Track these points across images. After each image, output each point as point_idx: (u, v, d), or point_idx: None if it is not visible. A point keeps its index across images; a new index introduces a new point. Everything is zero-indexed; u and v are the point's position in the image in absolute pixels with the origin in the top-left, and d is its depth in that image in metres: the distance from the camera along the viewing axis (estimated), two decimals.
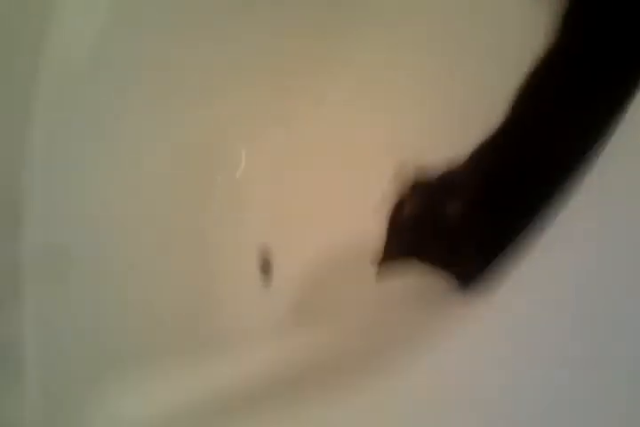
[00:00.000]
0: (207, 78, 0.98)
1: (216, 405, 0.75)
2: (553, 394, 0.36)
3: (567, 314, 0.38)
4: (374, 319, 0.80)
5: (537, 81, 0.70)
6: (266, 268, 0.98)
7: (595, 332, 0.35)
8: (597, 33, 0.67)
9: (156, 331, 0.89)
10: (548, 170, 0.64)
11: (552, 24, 0.71)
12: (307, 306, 0.92)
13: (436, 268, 0.72)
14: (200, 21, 0.94)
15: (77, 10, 0.86)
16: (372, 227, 0.74)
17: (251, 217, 1.00)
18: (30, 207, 0.83)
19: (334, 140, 0.98)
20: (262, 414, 0.67)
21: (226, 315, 0.95)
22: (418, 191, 0.71)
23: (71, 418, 0.77)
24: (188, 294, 0.95)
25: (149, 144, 0.95)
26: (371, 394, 0.59)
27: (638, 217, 0.38)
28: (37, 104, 0.84)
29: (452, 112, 0.86)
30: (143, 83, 0.94)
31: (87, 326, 0.84)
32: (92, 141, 0.90)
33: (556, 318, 0.39)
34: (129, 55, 0.91)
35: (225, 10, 0.95)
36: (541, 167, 0.66)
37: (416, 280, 0.74)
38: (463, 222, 0.66)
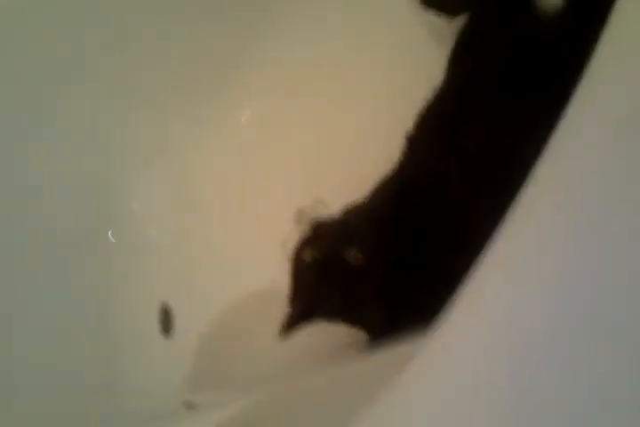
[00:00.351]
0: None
1: None
2: None
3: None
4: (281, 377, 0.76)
5: (428, 117, 0.70)
6: (166, 326, 0.92)
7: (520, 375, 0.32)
8: (479, 75, 0.69)
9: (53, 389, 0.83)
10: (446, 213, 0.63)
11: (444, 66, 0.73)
12: (206, 368, 0.86)
13: (343, 324, 0.68)
14: None
15: None
16: (276, 276, 0.70)
17: (150, 273, 0.94)
18: None
19: (231, 183, 0.95)
20: None
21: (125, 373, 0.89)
22: (317, 236, 0.68)
23: None
24: (89, 359, 0.88)
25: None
26: None
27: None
28: None
29: (348, 153, 0.85)
30: None
31: None
32: None
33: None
34: None
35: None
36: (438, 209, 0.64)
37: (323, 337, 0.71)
38: (363, 274, 0.63)
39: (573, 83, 0.62)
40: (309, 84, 0.91)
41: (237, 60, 0.94)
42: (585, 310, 0.31)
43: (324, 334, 0.72)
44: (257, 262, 0.85)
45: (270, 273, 0.74)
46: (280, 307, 0.68)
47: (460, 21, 0.76)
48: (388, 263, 0.63)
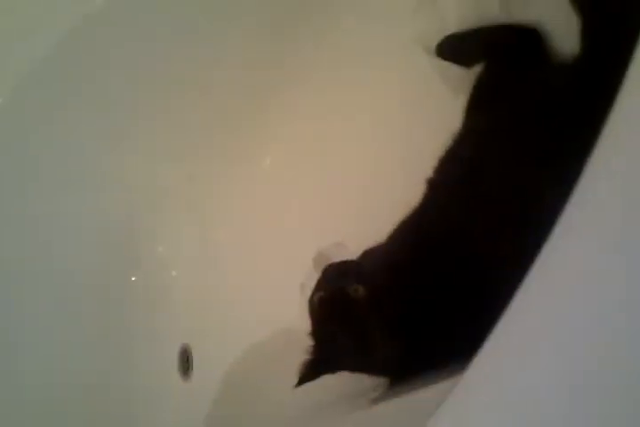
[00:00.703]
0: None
1: None
2: None
3: None
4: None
5: (448, 163, 0.71)
6: (185, 368, 0.92)
7: None
8: (496, 123, 0.70)
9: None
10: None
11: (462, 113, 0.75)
12: (224, 411, 0.86)
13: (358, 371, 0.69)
14: None
15: None
16: (294, 325, 0.71)
17: (171, 315, 0.95)
18: None
19: (253, 226, 0.96)
20: None
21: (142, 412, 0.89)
22: (324, 279, 0.70)
23: None
24: (108, 395, 0.89)
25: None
26: None
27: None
28: None
29: (367, 197, 0.86)
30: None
31: None
32: None
33: None
34: None
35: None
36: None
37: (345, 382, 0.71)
38: (368, 306, 0.64)
39: (593, 129, 0.63)
40: (329, 131, 0.94)
41: (261, 109, 0.96)
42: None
43: (346, 380, 0.71)
44: (277, 305, 0.85)
45: (290, 316, 0.74)
46: (299, 351, 0.69)
47: (476, 69, 0.78)
48: (398, 302, 0.63)
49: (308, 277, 0.79)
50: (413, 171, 0.76)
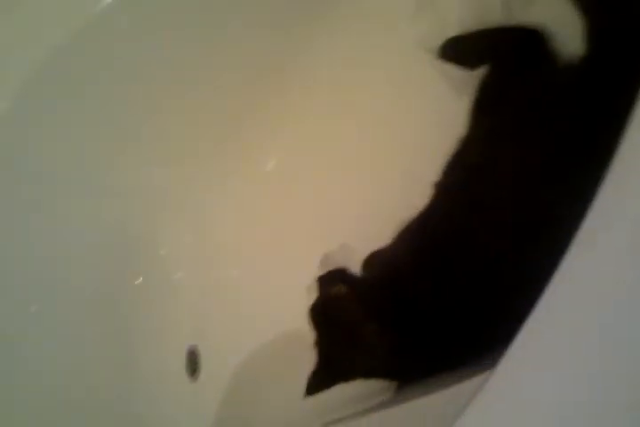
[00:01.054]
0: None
1: None
2: None
3: None
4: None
5: (455, 166, 0.72)
6: (193, 369, 0.92)
7: None
8: (502, 126, 0.71)
9: None
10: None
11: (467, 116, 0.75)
12: (231, 413, 0.86)
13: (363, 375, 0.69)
14: None
15: None
16: (301, 327, 0.71)
17: (177, 317, 0.95)
18: None
19: (257, 229, 0.96)
20: None
21: (151, 415, 0.89)
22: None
23: None
24: (114, 398, 0.89)
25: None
26: None
27: None
28: None
29: (374, 199, 0.86)
30: None
31: None
32: None
33: None
34: None
35: None
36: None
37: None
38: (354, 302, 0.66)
39: (600, 132, 0.63)
40: (332, 133, 0.94)
41: (264, 111, 0.96)
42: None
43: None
44: (283, 307, 0.86)
45: (297, 317, 0.74)
46: (306, 352, 0.70)
47: (480, 71, 0.78)
48: (388, 296, 0.64)
49: (315, 280, 0.80)
50: (418, 173, 0.76)
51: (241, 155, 0.98)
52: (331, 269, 0.73)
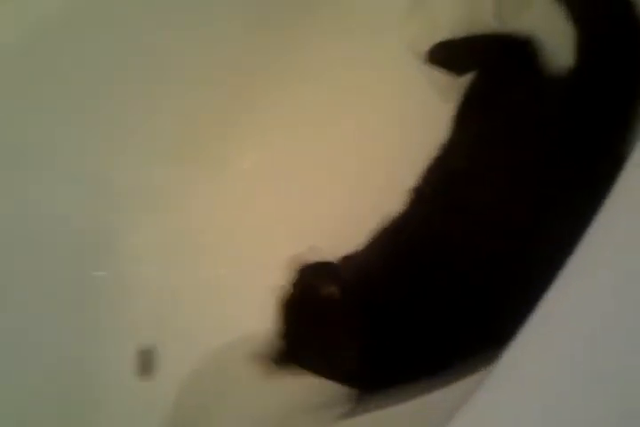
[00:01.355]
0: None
1: None
2: None
3: None
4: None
5: (436, 172, 0.71)
6: (148, 367, 0.89)
7: None
8: (485, 133, 0.70)
9: None
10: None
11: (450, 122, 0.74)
12: (187, 413, 0.83)
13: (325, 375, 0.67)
14: None
15: None
16: (263, 329, 0.69)
17: (137, 318, 0.92)
18: None
19: (226, 228, 0.94)
20: None
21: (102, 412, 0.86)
22: (300, 277, 0.69)
23: None
24: (63, 395, 0.85)
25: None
26: None
27: None
28: None
29: (346, 203, 0.85)
30: None
31: None
32: None
33: None
34: None
35: None
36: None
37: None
38: (339, 309, 0.63)
39: (586, 143, 0.63)
40: (311, 135, 0.92)
41: (240, 108, 0.95)
42: None
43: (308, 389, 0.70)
44: (246, 307, 0.83)
45: (261, 318, 0.72)
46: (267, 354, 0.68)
47: (466, 78, 0.77)
48: (370, 309, 0.62)
49: (281, 280, 0.78)
50: (396, 177, 0.75)
51: (217, 153, 0.96)
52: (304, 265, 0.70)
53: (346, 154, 0.89)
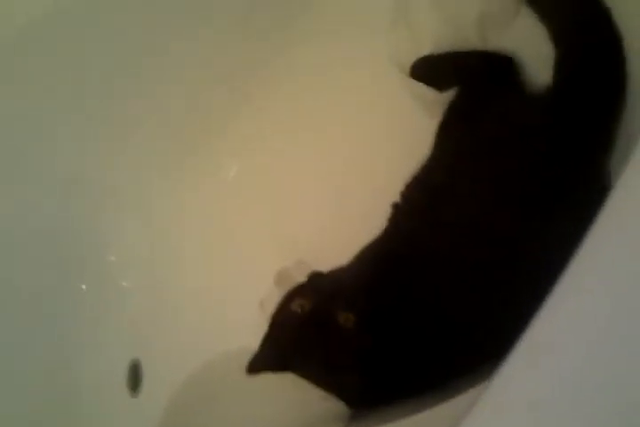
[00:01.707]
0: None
1: None
2: None
3: None
4: None
5: (416, 188, 0.71)
6: (134, 383, 0.89)
7: None
8: (467, 150, 0.71)
9: None
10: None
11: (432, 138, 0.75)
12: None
13: (318, 385, 0.66)
14: None
15: None
16: (250, 343, 0.68)
17: (123, 331, 0.91)
18: None
19: (211, 240, 0.94)
20: None
21: None
22: (311, 289, 0.67)
23: None
24: (50, 409, 0.85)
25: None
26: None
27: None
28: None
29: (331, 217, 0.85)
30: None
31: None
32: None
33: None
34: None
35: None
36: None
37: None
38: (349, 338, 0.62)
39: (562, 160, 0.64)
40: (296, 146, 0.92)
41: (226, 118, 0.95)
42: None
43: (295, 406, 0.70)
44: (232, 321, 0.83)
45: (246, 333, 0.71)
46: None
47: (449, 93, 0.78)
48: (376, 334, 0.62)
49: (268, 295, 0.77)
50: (380, 192, 0.75)
51: (203, 162, 0.96)
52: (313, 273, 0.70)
53: (332, 164, 0.89)
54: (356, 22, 0.89)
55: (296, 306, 0.64)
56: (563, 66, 0.69)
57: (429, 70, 0.81)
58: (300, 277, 0.70)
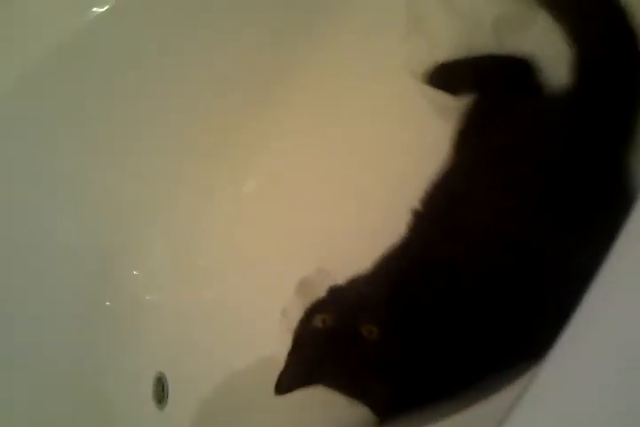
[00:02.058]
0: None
1: None
2: None
3: None
4: None
5: (435, 195, 0.71)
6: (160, 396, 0.89)
7: None
8: (485, 156, 0.70)
9: None
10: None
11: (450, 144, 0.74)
12: None
13: (346, 396, 0.65)
14: None
15: None
16: (275, 352, 0.68)
17: (147, 342, 0.92)
18: None
19: (232, 252, 0.94)
20: None
21: None
22: (333, 303, 0.66)
23: None
24: (78, 423, 0.85)
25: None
26: None
27: None
28: None
29: (350, 225, 0.85)
30: None
31: None
32: None
33: None
34: None
35: None
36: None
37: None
38: (374, 350, 0.61)
39: (585, 162, 0.63)
40: (312, 157, 0.92)
41: (245, 130, 0.95)
42: None
43: (321, 416, 0.69)
44: (256, 331, 0.83)
45: (269, 343, 0.71)
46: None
47: (466, 98, 0.78)
48: (401, 344, 0.61)
49: (290, 303, 0.77)
50: (398, 199, 0.75)
51: (222, 175, 0.96)
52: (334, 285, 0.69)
53: (348, 169, 0.89)
54: (368, 25, 0.89)
55: (318, 321, 0.64)
56: (580, 66, 0.68)
57: (445, 77, 0.81)
58: (321, 286, 0.70)
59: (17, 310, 0.84)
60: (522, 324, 0.57)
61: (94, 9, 0.82)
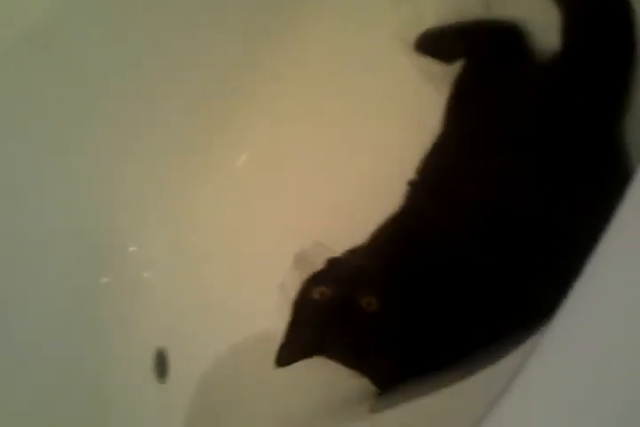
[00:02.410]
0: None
1: None
2: None
3: None
4: None
5: (430, 165, 0.71)
6: (161, 371, 0.90)
7: None
8: (477, 124, 0.70)
9: None
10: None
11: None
12: (200, 415, 0.84)
13: (347, 368, 0.66)
14: None
15: None
16: (274, 325, 0.68)
17: (146, 318, 0.92)
18: None
19: (228, 227, 0.94)
20: None
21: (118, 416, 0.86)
22: (331, 274, 0.66)
23: None
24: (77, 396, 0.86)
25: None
26: None
27: None
28: None
29: (346, 197, 0.84)
30: None
31: None
32: None
33: None
34: None
35: None
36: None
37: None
38: (374, 322, 0.61)
39: (575, 126, 0.63)
40: (305, 128, 0.92)
41: (233, 105, 0.94)
42: None
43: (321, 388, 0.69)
44: (254, 306, 0.84)
45: (268, 316, 0.72)
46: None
47: (456, 66, 0.77)
48: (400, 315, 0.62)
49: (287, 277, 0.78)
50: (393, 170, 0.75)
51: (214, 151, 0.95)
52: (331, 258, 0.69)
53: (338, 147, 0.89)
54: (356, 8, 0.88)
55: (316, 293, 0.64)
56: (569, 30, 0.68)
57: (434, 43, 0.80)
58: (318, 259, 0.70)
59: (13, 289, 0.83)
60: (521, 291, 0.58)
61: None
